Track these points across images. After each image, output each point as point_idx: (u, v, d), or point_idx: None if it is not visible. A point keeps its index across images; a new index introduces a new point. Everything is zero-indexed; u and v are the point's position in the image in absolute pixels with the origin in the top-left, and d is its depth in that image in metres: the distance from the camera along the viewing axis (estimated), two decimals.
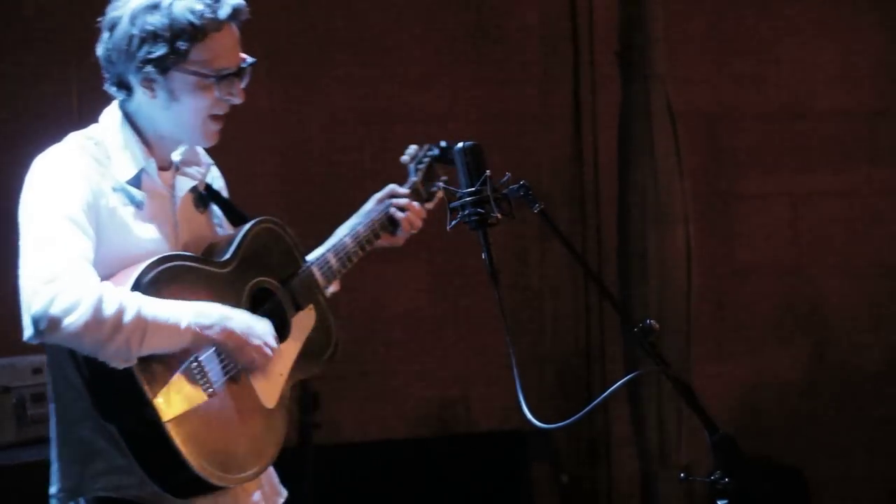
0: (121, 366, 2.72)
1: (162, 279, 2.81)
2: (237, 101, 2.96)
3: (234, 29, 2.93)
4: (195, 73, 2.88)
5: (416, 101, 5.95)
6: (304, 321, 3.12)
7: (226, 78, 2.91)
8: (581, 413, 2.82)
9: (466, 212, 2.90)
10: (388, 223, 3.37)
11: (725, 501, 2.75)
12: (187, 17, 2.85)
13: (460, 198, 2.91)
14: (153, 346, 2.73)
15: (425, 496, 5.79)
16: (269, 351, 2.91)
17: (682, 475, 3.50)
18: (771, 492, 5.99)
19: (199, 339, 2.80)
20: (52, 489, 2.91)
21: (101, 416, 2.79)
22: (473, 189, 2.90)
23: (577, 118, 6.27)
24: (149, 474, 2.80)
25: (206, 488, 2.86)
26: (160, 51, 2.84)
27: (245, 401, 2.93)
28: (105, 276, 2.79)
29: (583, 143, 6.26)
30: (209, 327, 2.81)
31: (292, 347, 3.08)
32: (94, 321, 2.65)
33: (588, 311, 6.26)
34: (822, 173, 6.51)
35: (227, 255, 2.98)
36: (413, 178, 3.49)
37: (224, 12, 2.88)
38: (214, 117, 2.94)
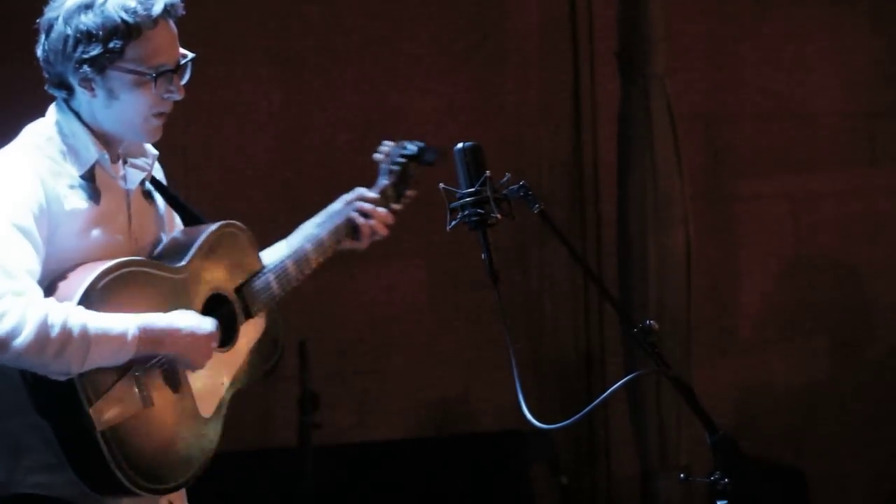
0: (62, 378, 2.73)
1: (115, 286, 2.81)
2: (177, 97, 2.94)
3: (170, 25, 2.92)
4: (131, 72, 2.87)
5: (416, 102, 5.95)
6: (252, 329, 3.11)
7: (163, 75, 2.90)
8: (581, 413, 2.83)
9: (466, 212, 2.90)
10: (351, 229, 3.36)
11: (725, 502, 2.75)
12: (120, 16, 2.84)
13: (460, 198, 2.91)
14: (97, 361, 2.74)
15: (424, 497, 5.79)
16: (214, 344, 2.92)
17: (681, 476, 3.51)
18: (771, 492, 5.99)
19: (144, 349, 2.80)
20: None
21: (37, 411, 2.79)
22: (473, 189, 2.90)
23: (577, 118, 6.26)
24: (78, 475, 2.80)
25: (134, 494, 2.87)
26: (95, 50, 2.84)
27: (182, 409, 2.93)
28: (55, 277, 2.80)
29: (582, 144, 6.26)
30: (155, 338, 2.81)
31: (237, 356, 3.08)
32: (37, 343, 2.66)
33: (588, 311, 6.26)
34: (822, 174, 6.50)
35: (185, 261, 2.98)
36: (383, 182, 3.47)
37: (157, 9, 2.87)
38: (157, 114, 2.93)
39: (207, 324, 2.92)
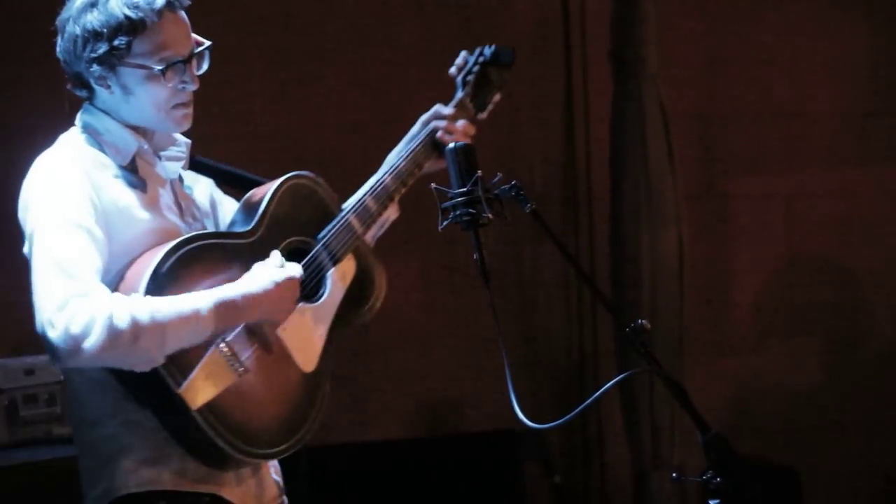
0: (147, 369, 2.72)
1: (180, 265, 2.79)
2: (192, 87, 2.93)
3: (178, 16, 2.91)
4: (140, 66, 2.86)
5: (410, 103, 5.93)
6: (343, 274, 3.08)
7: (174, 66, 2.88)
8: (573, 413, 2.83)
9: (458, 212, 2.90)
10: (433, 148, 3.30)
11: (717, 501, 2.75)
12: (123, 12, 2.84)
13: (452, 198, 2.91)
14: (178, 344, 2.71)
15: (418, 496, 5.78)
16: (295, 292, 2.86)
17: (674, 475, 3.51)
18: (763, 491, 5.99)
19: (223, 322, 2.77)
20: (88, 495, 2.90)
21: (137, 402, 2.78)
22: (465, 189, 2.91)
23: (570, 118, 6.26)
24: (194, 457, 2.81)
25: (248, 464, 2.90)
26: (102, 48, 2.85)
27: (282, 370, 2.92)
28: (122, 267, 2.80)
29: (575, 144, 6.26)
30: (232, 308, 2.77)
31: (330, 304, 3.05)
32: (109, 339, 2.64)
33: (581, 311, 6.26)
34: (816, 173, 6.51)
35: (252, 223, 2.95)
36: (459, 94, 3.42)
37: (160, 2, 2.86)
38: (177, 105, 2.92)
39: (284, 272, 2.87)
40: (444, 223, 2.93)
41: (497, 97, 3.49)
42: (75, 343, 2.63)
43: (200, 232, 2.90)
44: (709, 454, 2.77)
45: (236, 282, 2.82)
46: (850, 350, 6.54)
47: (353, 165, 5.85)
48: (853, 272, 6.53)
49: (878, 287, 6.54)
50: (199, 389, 2.75)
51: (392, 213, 3.28)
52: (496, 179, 2.93)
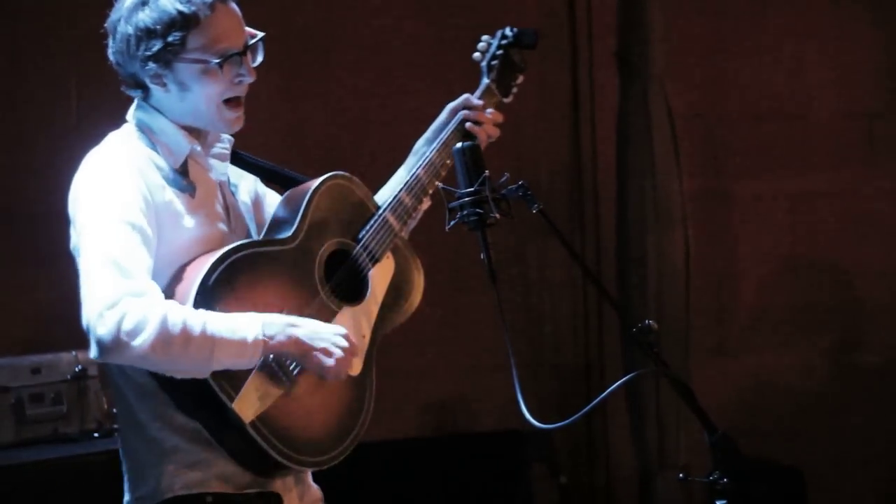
0: (188, 377, 2.72)
1: (226, 278, 2.78)
2: (249, 79, 2.92)
3: (230, 7, 2.90)
4: (197, 61, 2.85)
5: (415, 102, 5.94)
6: (383, 272, 3.08)
7: (230, 59, 2.88)
8: (580, 413, 2.83)
9: (465, 212, 2.90)
10: (463, 137, 3.23)
11: (724, 502, 2.75)
12: (175, 7, 2.83)
13: (459, 198, 2.91)
14: (222, 363, 2.71)
15: (424, 496, 5.78)
16: (336, 357, 2.85)
17: (680, 475, 3.52)
18: (770, 492, 6.00)
19: (267, 351, 2.76)
20: (128, 498, 2.90)
21: (186, 414, 2.79)
22: (472, 189, 2.91)
23: (576, 119, 6.26)
24: (243, 467, 2.82)
25: (299, 471, 2.92)
26: (156, 46, 2.83)
27: None
28: (168, 271, 2.80)
29: (581, 145, 6.26)
30: (274, 337, 2.76)
31: (373, 304, 3.06)
32: (161, 342, 2.64)
33: (587, 311, 6.26)
34: (820, 174, 6.50)
35: (293, 229, 2.93)
36: (485, 80, 3.38)
37: None
38: (229, 102, 2.91)
39: (338, 336, 2.87)
40: (451, 223, 2.93)
41: (521, 79, 3.46)
42: (125, 339, 2.62)
43: (243, 242, 2.88)
44: (716, 455, 2.77)
45: (293, 318, 2.81)
46: (855, 351, 6.54)
47: (354, 165, 5.90)
48: (858, 273, 6.52)
49: (883, 288, 6.54)
50: (251, 402, 2.75)
51: (424, 204, 3.25)
52: (504, 179, 2.93)
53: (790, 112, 6.47)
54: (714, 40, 6.39)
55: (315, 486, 3.09)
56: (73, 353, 4.79)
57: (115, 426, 4.83)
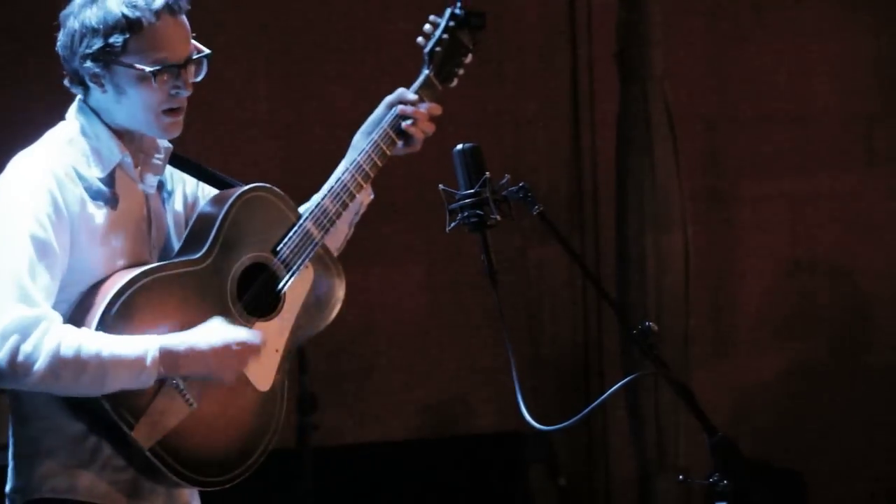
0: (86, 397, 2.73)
1: (133, 303, 2.76)
2: (185, 93, 2.88)
3: (177, 19, 2.87)
4: (133, 66, 2.83)
5: None
6: (300, 282, 3.02)
7: (167, 70, 2.84)
8: (579, 415, 2.83)
9: (465, 214, 2.89)
10: (396, 136, 3.17)
11: (724, 503, 2.75)
12: (121, 10, 2.81)
13: (459, 200, 2.91)
14: (117, 386, 2.71)
15: (423, 498, 5.78)
16: (239, 358, 2.83)
17: (680, 477, 3.51)
18: (769, 494, 5.99)
19: (167, 371, 2.75)
20: (7, 488, 2.89)
21: (91, 432, 2.79)
22: (473, 191, 2.90)
23: (576, 120, 6.26)
24: (140, 474, 2.82)
25: (205, 489, 2.91)
26: (97, 45, 2.82)
27: (237, 394, 2.89)
28: (80, 287, 2.79)
29: (581, 146, 6.26)
30: (171, 360, 2.75)
31: (287, 317, 2.99)
32: (51, 372, 2.66)
33: (587, 313, 6.26)
34: (821, 176, 6.50)
35: (206, 247, 2.89)
36: (425, 71, 3.24)
37: (158, 3, 2.83)
38: (168, 111, 2.88)
39: (240, 334, 2.85)
40: (452, 225, 2.93)
41: (469, 60, 3.29)
42: (19, 370, 2.65)
43: (151, 266, 2.84)
44: (715, 456, 2.77)
45: (188, 332, 2.80)
46: (855, 352, 6.54)
47: None
48: (858, 275, 6.52)
49: (883, 289, 6.53)
50: (152, 427, 2.75)
51: (365, 198, 3.19)
52: (504, 181, 2.92)
53: (790, 113, 6.47)
54: (714, 41, 6.39)
55: (187, 494, 3.01)
56: None
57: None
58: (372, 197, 3.22)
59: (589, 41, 6.22)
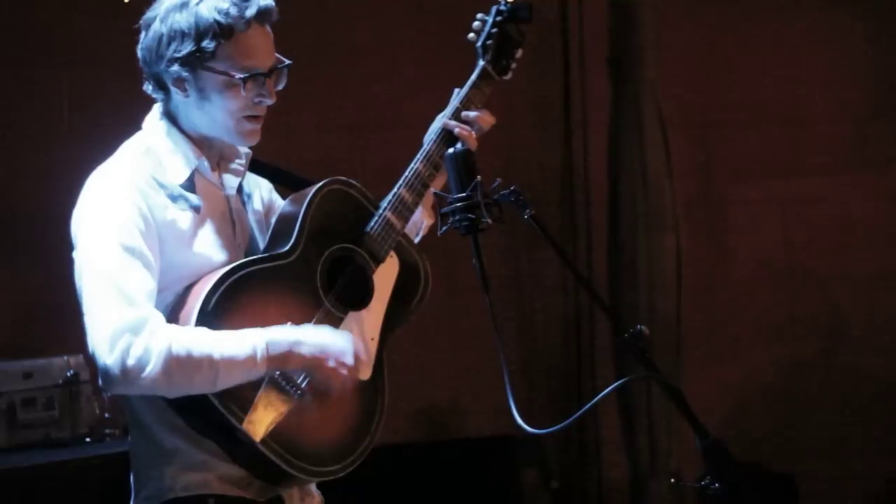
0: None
1: (228, 298, 2.79)
2: (268, 101, 2.94)
3: (265, 29, 2.94)
4: (222, 72, 2.87)
5: (407, 108, 5.94)
6: (387, 272, 3.07)
7: (254, 78, 2.89)
8: (571, 418, 2.83)
9: (457, 217, 2.90)
10: (450, 139, 3.18)
11: None
12: (213, 16, 2.85)
13: (451, 203, 2.91)
14: (229, 383, 2.74)
15: (416, 501, 5.78)
16: (344, 371, 2.86)
17: (672, 481, 3.51)
18: (761, 497, 6.00)
19: (272, 366, 2.78)
20: (133, 501, 2.91)
21: (197, 432, 2.81)
22: (464, 195, 2.90)
23: (568, 124, 6.27)
24: (256, 477, 2.86)
25: (311, 482, 2.97)
26: (186, 49, 2.85)
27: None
28: (175, 289, 2.82)
29: (573, 150, 6.27)
30: (278, 354, 2.78)
31: (379, 306, 3.05)
32: (164, 374, 2.68)
33: (579, 317, 6.26)
34: (813, 179, 6.51)
35: (291, 241, 2.93)
36: (481, 63, 3.32)
37: (251, 12, 2.88)
38: (249, 117, 2.93)
39: (344, 341, 2.88)
40: (444, 229, 2.93)
41: (519, 53, 3.35)
42: (131, 373, 2.67)
43: (243, 261, 2.88)
44: (707, 460, 2.77)
45: (293, 328, 2.83)
46: (846, 356, 6.54)
47: (352, 166, 5.91)
48: (851, 278, 6.53)
49: (876, 293, 6.54)
50: (260, 420, 2.77)
51: (427, 219, 3.25)
52: (495, 185, 2.93)
53: (781, 117, 6.48)
54: (705, 46, 6.39)
55: (316, 491, 3.10)
56: (65, 357, 4.80)
57: (107, 431, 4.85)
58: (433, 220, 3.25)
59: (581, 45, 6.22)
